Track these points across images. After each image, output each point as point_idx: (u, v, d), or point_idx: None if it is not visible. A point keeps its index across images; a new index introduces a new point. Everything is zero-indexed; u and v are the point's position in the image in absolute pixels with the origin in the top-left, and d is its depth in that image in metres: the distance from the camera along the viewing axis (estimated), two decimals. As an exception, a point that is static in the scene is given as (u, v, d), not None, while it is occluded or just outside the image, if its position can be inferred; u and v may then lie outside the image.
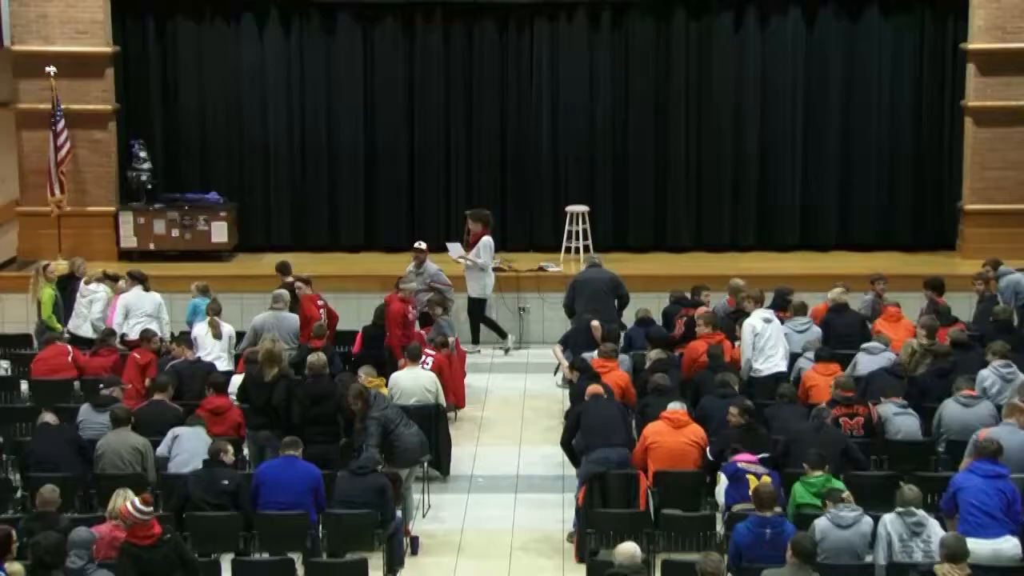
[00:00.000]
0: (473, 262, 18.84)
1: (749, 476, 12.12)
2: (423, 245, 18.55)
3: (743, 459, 12.37)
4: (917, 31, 21.80)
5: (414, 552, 13.28)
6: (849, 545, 11.08)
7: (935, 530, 11.04)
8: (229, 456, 12.68)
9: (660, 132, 22.08)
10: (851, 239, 20.28)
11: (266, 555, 12.06)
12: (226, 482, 12.33)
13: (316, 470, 12.47)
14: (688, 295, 17.18)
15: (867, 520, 11.20)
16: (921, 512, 11.11)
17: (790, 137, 22.04)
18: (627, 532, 11.59)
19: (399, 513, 12.96)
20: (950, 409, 13.23)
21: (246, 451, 13.98)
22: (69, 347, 16.06)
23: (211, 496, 12.25)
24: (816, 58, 21.92)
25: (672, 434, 13.06)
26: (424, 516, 14.08)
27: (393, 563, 12.56)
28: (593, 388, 13.86)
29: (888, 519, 11.13)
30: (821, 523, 11.16)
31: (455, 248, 19.44)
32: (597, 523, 12.44)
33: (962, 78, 21.19)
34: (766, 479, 11.76)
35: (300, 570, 11.55)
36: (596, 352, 15.33)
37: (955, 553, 10.18)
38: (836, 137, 21.97)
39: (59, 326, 17.15)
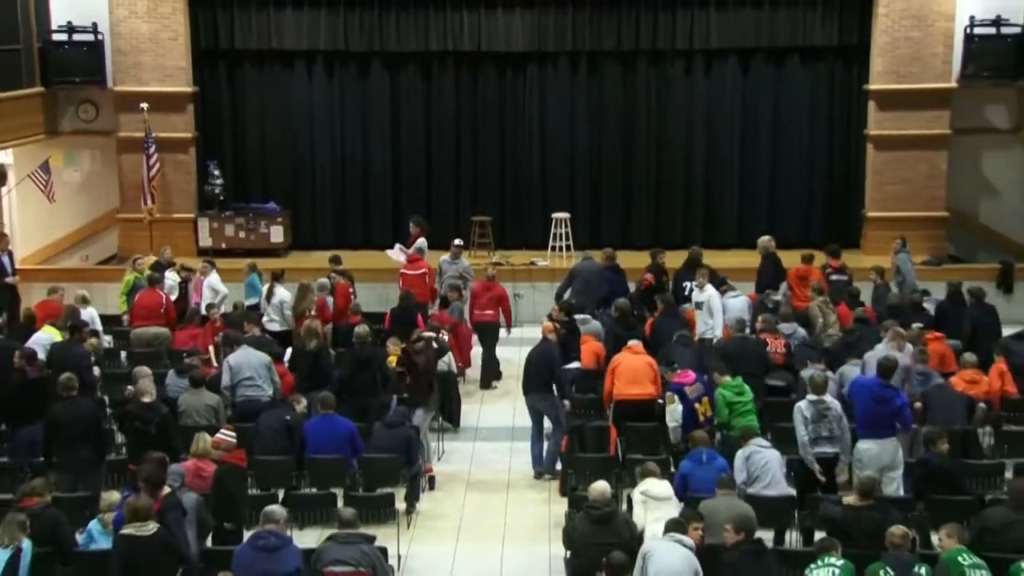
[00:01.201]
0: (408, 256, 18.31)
1: (697, 407, 12.46)
2: (460, 242, 18.37)
3: (683, 380, 12.64)
4: (829, 75, 21.78)
5: (431, 487, 13.29)
6: (771, 463, 11.31)
7: (837, 411, 11.71)
8: (301, 407, 12.79)
9: (626, 154, 22.04)
10: (777, 239, 20.22)
11: (314, 490, 12.06)
12: (288, 418, 12.42)
13: (350, 424, 12.43)
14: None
15: (775, 452, 11.53)
16: (827, 398, 11.74)
17: (729, 158, 22.00)
18: (600, 473, 11.58)
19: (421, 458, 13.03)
20: (848, 373, 13.50)
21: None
22: (163, 295, 16.18)
23: (275, 424, 12.35)
24: (749, 96, 21.88)
25: (633, 359, 13.29)
26: (439, 459, 14.08)
27: (414, 496, 12.58)
28: (545, 326, 14.12)
29: (802, 404, 11.75)
30: (748, 449, 11.43)
31: (396, 251, 19.14)
32: (576, 465, 12.45)
33: (865, 112, 21.18)
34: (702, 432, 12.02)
35: (340, 501, 11.52)
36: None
37: (865, 490, 10.29)
38: (766, 158, 21.94)
39: (124, 307, 16.99)
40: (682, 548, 9.11)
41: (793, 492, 11.43)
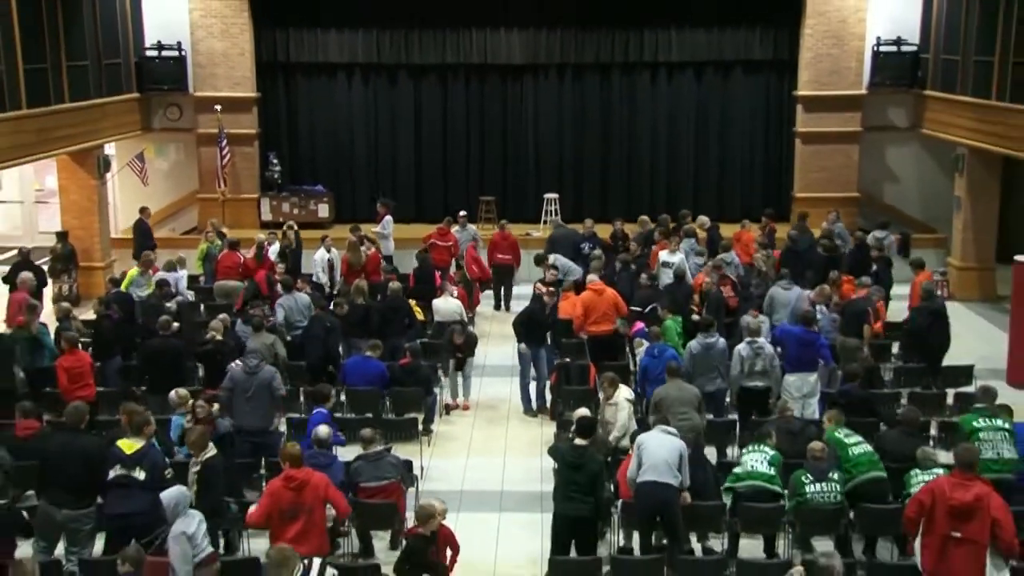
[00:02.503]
0: (379, 232, 18.15)
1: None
2: (464, 213, 18.54)
3: (637, 328, 12.96)
4: (765, 84, 21.65)
5: (447, 413, 13.29)
6: (714, 358, 11.59)
7: (770, 351, 11.64)
8: (342, 309, 13.10)
9: (604, 147, 21.90)
10: (726, 214, 20.31)
11: (353, 415, 12.06)
12: (328, 324, 12.64)
13: (380, 365, 12.36)
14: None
15: (721, 340, 11.75)
16: (760, 340, 11.71)
17: (686, 150, 21.88)
18: (582, 401, 11.61)
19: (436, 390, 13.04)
20: (775, 292, 13.70)
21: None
22: (241, 256, 16.14)
23: (318, 331, 12.62)
24: (703, 100, 21.74)
25: (598, 300, 13.24)
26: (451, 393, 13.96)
27: (430, 420, 12.58)
28: (535, 286, 14.04)
29: (741, 347, 11.70)
30: (692, 345, 11.69)
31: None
32: (564, 396, 12.48)
33: (793, 114, 21.07)
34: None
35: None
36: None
37: (780, 408, 10.35)
38: (715, 150, 21.83)
39: (200, 268, 17.06)
40: (670, 437, 9.06)
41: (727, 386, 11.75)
